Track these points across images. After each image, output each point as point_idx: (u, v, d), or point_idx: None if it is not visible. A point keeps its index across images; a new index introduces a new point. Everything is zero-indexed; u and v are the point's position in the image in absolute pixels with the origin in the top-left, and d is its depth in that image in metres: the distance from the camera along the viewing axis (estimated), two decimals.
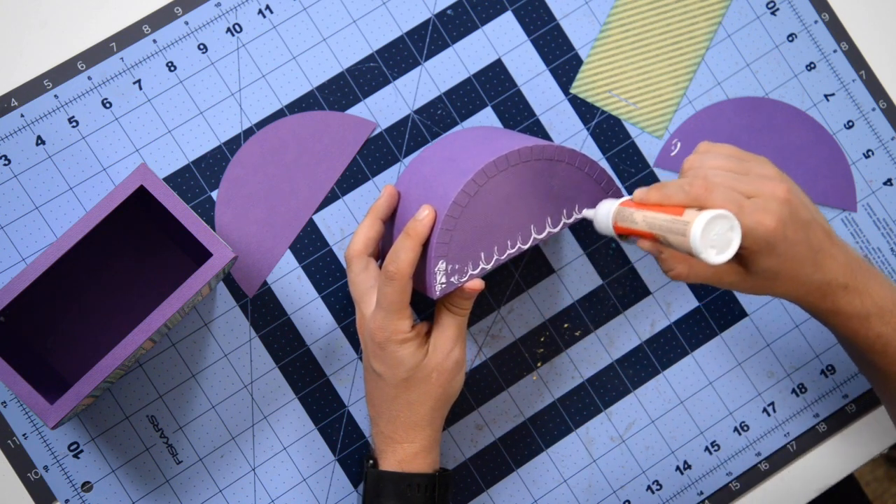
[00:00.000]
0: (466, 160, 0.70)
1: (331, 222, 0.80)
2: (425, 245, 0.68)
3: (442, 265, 0.68)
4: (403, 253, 0.67)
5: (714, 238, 0.59)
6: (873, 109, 0.86)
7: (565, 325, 0.82)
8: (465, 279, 0.70)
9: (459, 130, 0.78)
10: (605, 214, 0.69)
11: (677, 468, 0.82)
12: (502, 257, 0.71)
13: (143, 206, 0.71)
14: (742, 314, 0.83)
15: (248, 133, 0.80)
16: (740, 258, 0.65)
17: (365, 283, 0.72)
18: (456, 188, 0.68)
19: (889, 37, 0.87)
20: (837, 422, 0.83)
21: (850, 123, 0.85)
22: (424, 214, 0.68)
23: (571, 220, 0.72)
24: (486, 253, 0.70)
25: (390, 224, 0.75)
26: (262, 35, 0.80)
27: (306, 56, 0.81)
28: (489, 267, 0.70)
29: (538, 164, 0.70)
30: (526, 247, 0.71)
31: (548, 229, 0.71)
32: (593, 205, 0.72)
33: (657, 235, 0.63)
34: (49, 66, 0.78)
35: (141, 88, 0.79)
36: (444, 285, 0.69)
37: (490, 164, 0.68)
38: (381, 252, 0.75)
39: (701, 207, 0.61)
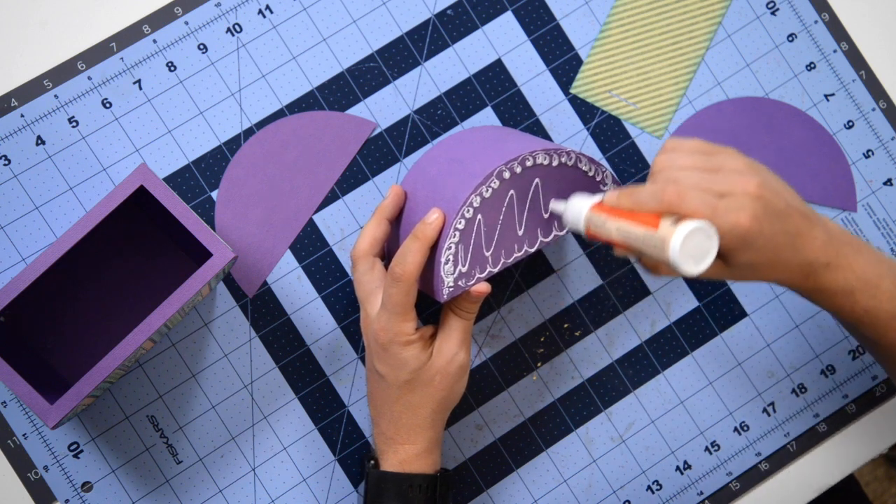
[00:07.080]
0: (474, 162, 0.69)
1: (331, 222, 0.80)
2: (433, 248, 0.68)
3: (450, 268, 0.68)
4: (411, 255, 0.67)
5: (692, 249, 0.59)
6: (873, 109, 0.86)
7: (565, 325, 0.82)
8: (472, 283, 0.70)
9: (465, 130, 0.78)
10: (576, 215, 0.67)
11: (677, 468, 0.82)
12: (509, 261, 0.71)
13: (143, 206, 0.71)
14: (742, 314, 0.83)
15: (248, 133, 0.80)
16: (720, 254, 0.64)
17: (370, 284, 0.72)
18: (465, 191, 0.67)
19: (889, 37, 0.87)
20: (837, 422, 0.83)
21: (850, 123, 0.85)
22: (434, 218, 0.68)
23: None
24: (493, 256, 0.70)
25: (396, 224, 0.75)
26: (262, 35, 0.80)
27: (306, 56, 0.81)
28: (496, 270, 0.70)
29: (546, 168, 0.69)
30: (533, 250, 0.71)
31: (554, 233, 0.71)
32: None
33: (633, 248, 0.62)
34: (49, 66, 0.78)
35: (141, 88, 0.79)
36: (451, 289, 0.69)
37: (499, 168, 0.68)
38: (386, 253, 0.75)
39: (675, 214, 0.60)
